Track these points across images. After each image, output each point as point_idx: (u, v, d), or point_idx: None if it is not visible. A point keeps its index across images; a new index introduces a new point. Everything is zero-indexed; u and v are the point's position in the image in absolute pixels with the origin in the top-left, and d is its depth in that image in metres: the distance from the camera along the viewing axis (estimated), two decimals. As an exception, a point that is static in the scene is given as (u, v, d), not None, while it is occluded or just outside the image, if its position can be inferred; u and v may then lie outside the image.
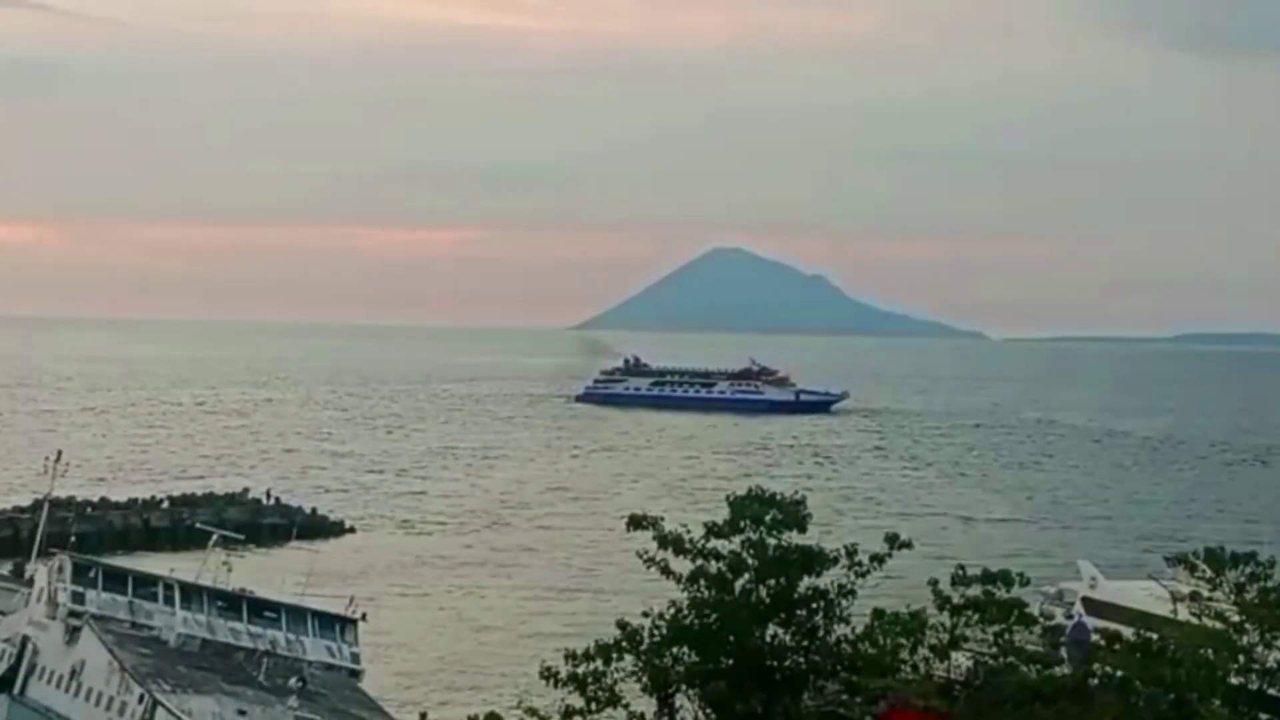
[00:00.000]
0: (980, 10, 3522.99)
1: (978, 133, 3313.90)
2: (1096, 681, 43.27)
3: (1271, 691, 48.28)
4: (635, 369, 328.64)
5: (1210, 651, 45.93)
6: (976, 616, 46.26)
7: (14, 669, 54.77)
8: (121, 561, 69.00)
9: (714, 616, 45.92)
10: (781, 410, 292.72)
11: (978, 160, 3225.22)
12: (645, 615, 46.56)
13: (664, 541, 47.43)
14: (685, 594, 46.66)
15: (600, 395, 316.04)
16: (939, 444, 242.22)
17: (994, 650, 46.18)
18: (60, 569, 54.79)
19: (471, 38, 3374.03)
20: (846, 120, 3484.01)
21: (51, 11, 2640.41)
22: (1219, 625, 48.61)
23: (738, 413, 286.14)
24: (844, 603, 46.71)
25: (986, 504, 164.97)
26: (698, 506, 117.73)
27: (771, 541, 46.80)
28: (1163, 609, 56.16)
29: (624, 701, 45.06)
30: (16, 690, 54.33)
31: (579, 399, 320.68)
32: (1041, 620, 47.97)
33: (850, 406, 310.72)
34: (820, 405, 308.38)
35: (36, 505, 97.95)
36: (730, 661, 45.63)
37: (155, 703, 47.57)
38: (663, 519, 48.51)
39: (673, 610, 46.33)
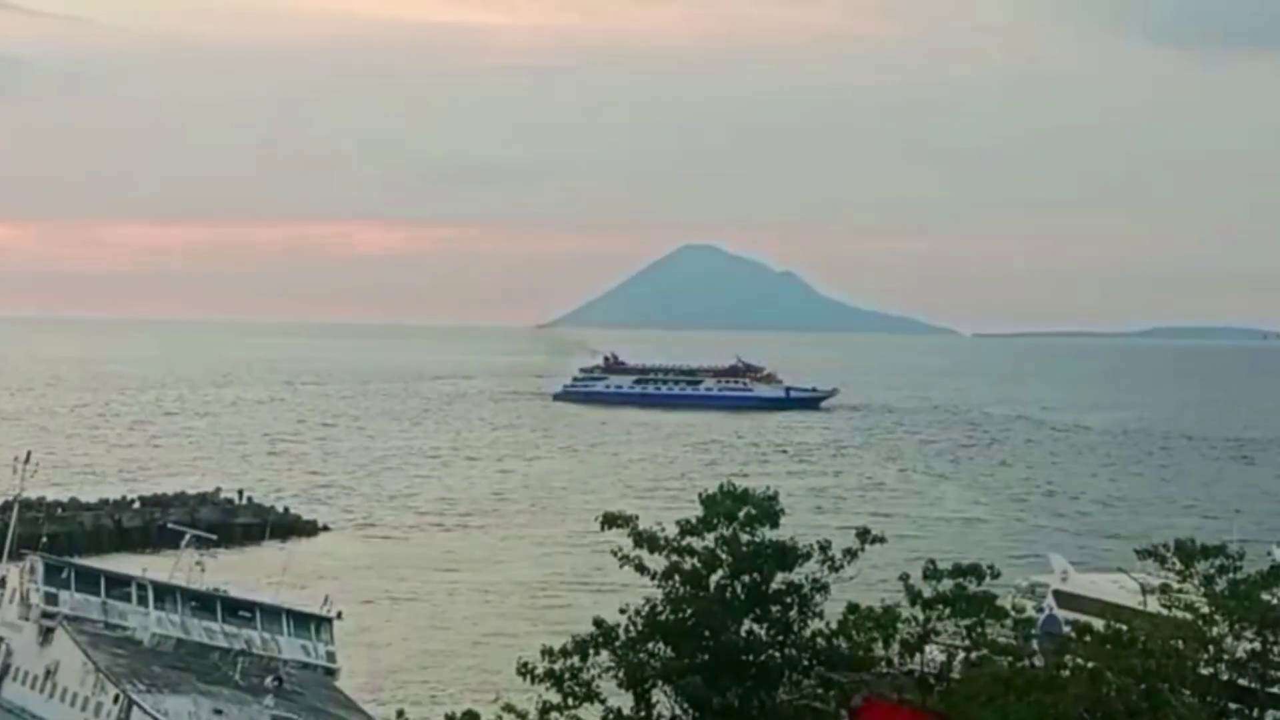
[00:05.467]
0: (952, 3, 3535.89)
1: (949, 129, 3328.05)
2: (1068, 673, 43.61)
3: (1241, 681, 48.77)
4: (615, 367, 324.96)
5: (1180, 642, 46.40)
6: (948, 610, 46.63)
7: (-12, 671, 54.52)
8: (93, 562, 68.76)
9: (689, 612, 46.16)
10: (771, 407, 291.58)
11: (949, 156, 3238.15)
12: (621, 612, 46.71)
13: (639, 539, 47.65)
14: (660, 590, 46.86)
15: (580, 393, 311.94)
16: (914, 440, 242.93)
17: (966, 643, 46.54)
18: (32, 570, 54.54)
19: (441, 34, 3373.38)
20: (816, 116, 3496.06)
21: (18, 10, 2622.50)
22: (1189, 616, 49.06)
23: (726, 410, 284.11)
24: (818, 598, 46.98)
25: (958, 499, 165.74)
26: (678, 504, 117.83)
27: (745, 537, 47.05)
28: (1133, 601, 56.72)
29: (601, 697, 45.28)
30: (-9, 692, 54.11)
31: (556, 397, 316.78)
32: (1013, 613, 48.27)
33: (839, 403, 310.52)
34: (810, 402, 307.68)
35: (7, 506, 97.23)
36: (706, 656, 45.84)
37: (131, 703, 47.40)
38: (637, 517, 48.73)
39: (648, 607, 46.55)
